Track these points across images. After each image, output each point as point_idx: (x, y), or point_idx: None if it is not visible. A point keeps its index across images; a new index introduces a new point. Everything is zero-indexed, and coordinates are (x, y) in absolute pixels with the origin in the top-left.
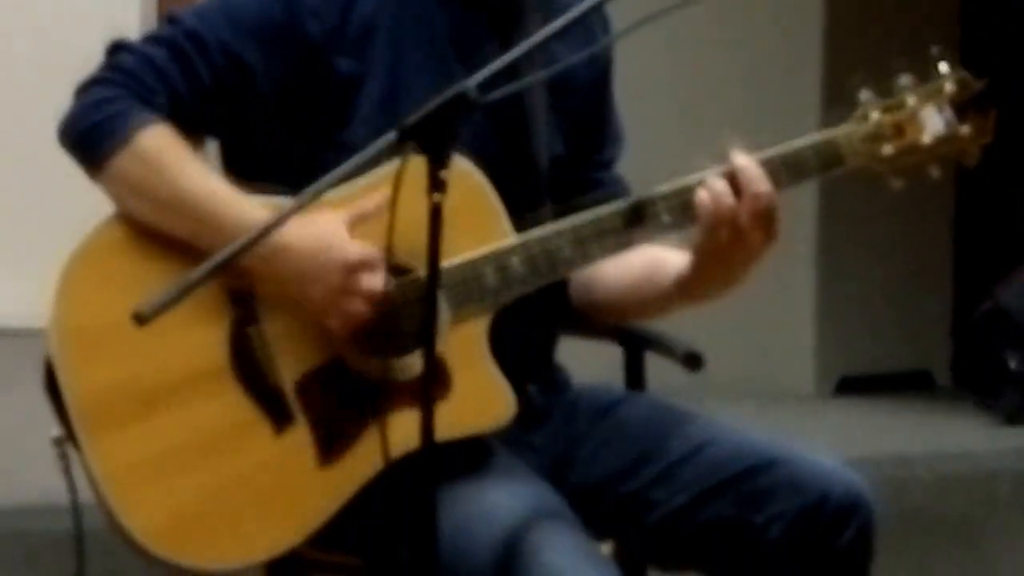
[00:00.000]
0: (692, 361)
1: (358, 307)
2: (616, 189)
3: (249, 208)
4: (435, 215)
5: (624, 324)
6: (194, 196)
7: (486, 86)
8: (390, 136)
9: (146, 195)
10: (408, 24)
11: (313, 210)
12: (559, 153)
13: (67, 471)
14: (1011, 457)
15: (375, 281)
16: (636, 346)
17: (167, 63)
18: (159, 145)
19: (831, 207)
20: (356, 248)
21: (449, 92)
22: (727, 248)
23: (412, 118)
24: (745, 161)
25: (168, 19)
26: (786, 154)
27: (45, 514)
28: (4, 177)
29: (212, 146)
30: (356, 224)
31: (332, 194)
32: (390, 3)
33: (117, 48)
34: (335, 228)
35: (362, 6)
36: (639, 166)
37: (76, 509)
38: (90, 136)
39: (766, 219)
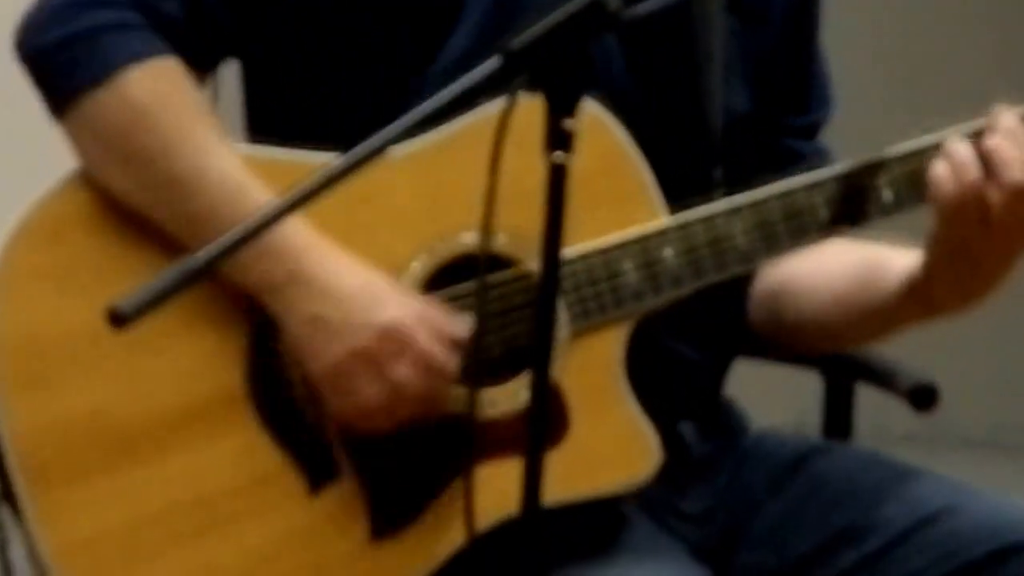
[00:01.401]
0: (923, 397)
1: (371, 390)
2: (822, 159)
3: (263, 203)
4: (556, 182)
5: (829, 350)
6: (187, 178)
7: None
8: (491, 64)
9: (129, 161)
10: None
11: (367, 187)
12: (740, 107)
13: (2, 547)
14: None
15: (445, 356)
16: (842, 376)
17: None
18: (151, 91)
19: None
20: (400, 312)
21: None
22: (975, 241)
23: (523, 37)
24: (1008, 120)
25: None
26: None
27: None
28: None
29: (230, 75)
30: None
31: (399, 149)
32: None
33: None
34: (387, 294)
35: None
36: (848, 134)
37: None
38: (60, 56)
39: None
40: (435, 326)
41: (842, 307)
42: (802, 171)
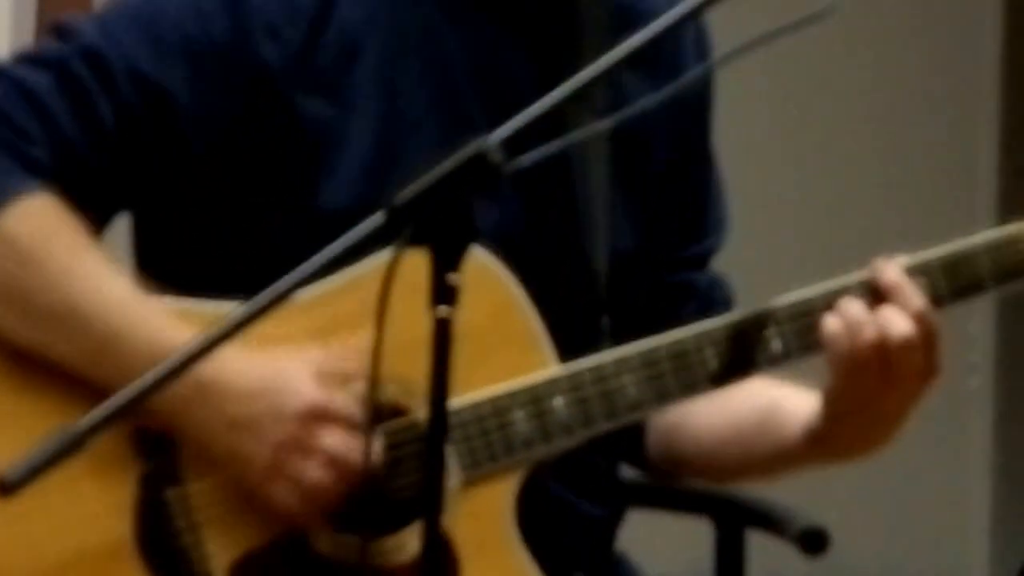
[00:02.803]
0: (813, 541)
1: (319, 477)
2: (713, 297)
3: (168, 324)
4: (442, 335)
5: (720, 489)
6: (86, 305)
7: (518, 144)
8: (376, 218)
9: (14, 301)
10: (406, 44)
11: (264, 331)
12: (627, 246)
13: None
14: None
15: (346, 440)
16: (733, 522)
17: (53, 97)
18: (35, 228)
19: (1014, 330)
20: (316, 392)
21: (463, 152)
22: (875, 393)
23: (407, 192)
24: (892, 273)
25: (56, 31)
26: (950, 258)
27: None
28: None
29: (120, 226)
30: (324, 378)
31: (290, 306)
32: (380, 13)
33: None
34: (293, 366)
35: (340, 17)
36: (743, 268)
37: None
38: None
39: (923, 350)
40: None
41: (738, 444)
42: (697, 307)
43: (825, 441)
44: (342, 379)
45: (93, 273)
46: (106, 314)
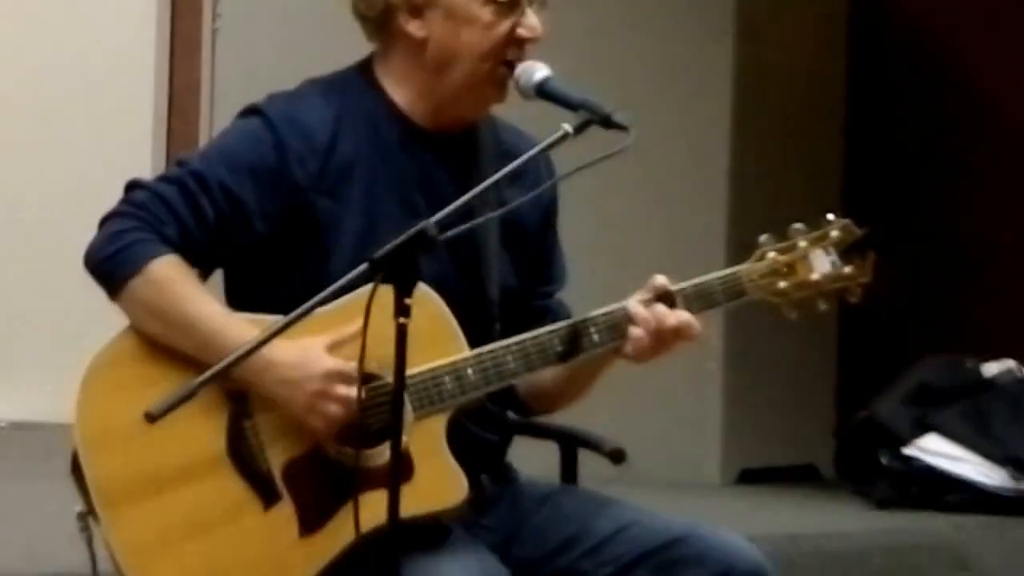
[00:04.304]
0: (617, 456)
1: (334, 410)
2: (559, 313)
3: (243, 331)
4: (401, 335)
5: (564, 425)
6: (197, 319)
7: (445, 225)
8: (363, 268)
9: (157, 317)
10: (380, 167)
11: (297, 330)
12: (511, 284)
13: (89, 543)
14: (882, 536)
15: (348, 389)
16: (570, 445)
17: (176, 200)
18: (169, 274)
19: (736, 331)
20: (331, 362)
21: (412, 230)
22: (648, 355)
23: (381, 252)
24: (666, 285)
25: (177, 162)
26: (698, 285)
27: None
28: (35, 292)
29: (216, 276)
30: (334, 347)
31: (313, 316)
32: (364, 148)
33: (133, 186)
34: (315, 346)
35: (341, 150)
36: (576, 295)
37: None
38: (109, 264)
39: (684, 335)
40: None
41: (568, 382)
42: (549, 322)
43: (616, 355)
44: (339, 342)
45: (200, 300)
46: (208, 323)
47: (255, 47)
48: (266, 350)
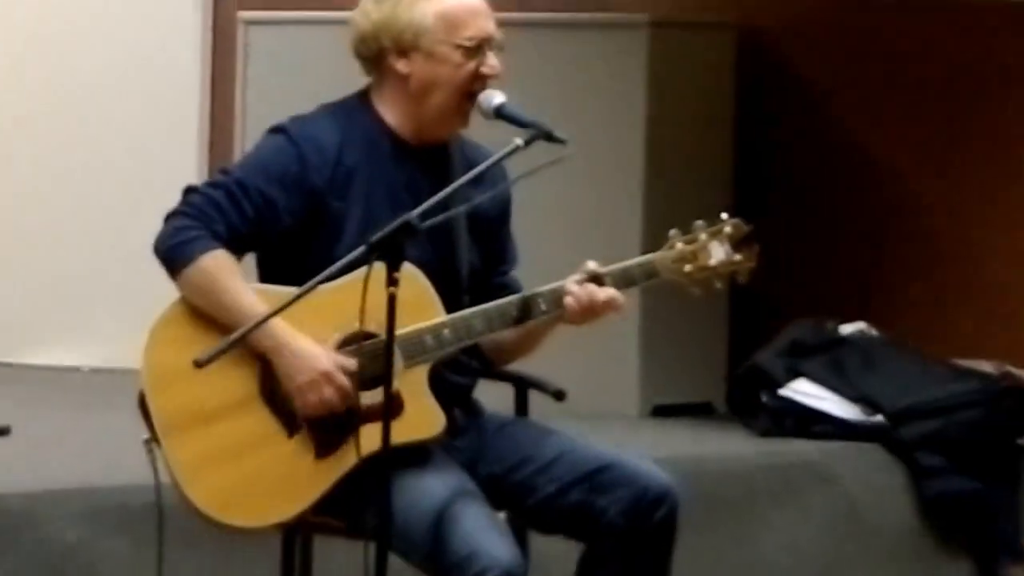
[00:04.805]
0: (559, 395)
1: (330, 393)
2: (514, 288)
3: (264, 310)
4: (391, 302)
5: (517, 371)
6: (232, 305)
7: (425, 217)
8: (361, 250)
9: (202, 297)
10: (376, 174)
11: (309, 298)
12: (476, 265)
13: (153, 462)
14: (763, 458)
15: (347, 385)
16: (522, 386)
17: (223, 201)
18: (216, 265)
19: (651, 298)
20: (343, 357)
21: (399, 221)
22: (581, 320)
23: (375, 238)
24: (596, 269)
25: (221, 170)
26: (621, 268)
27: (138, 491)
28: (110, 265)
29: (249, 258)
30: (341, 346)
31: (322, 288)
32: (363, 160)
33: (190, 190)
34: (328, 344)
35: (346, 161)
36: (527, 273)
37: (158, 488)
38: (170, 254)
39: (611, 307)
40: (341, 363)
41: (519, 341)
42: (507, 294)
43: (559, 321)
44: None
45: (236, 290)
46: (239, 310)
47: (278, 78)
48: (287, 337)
